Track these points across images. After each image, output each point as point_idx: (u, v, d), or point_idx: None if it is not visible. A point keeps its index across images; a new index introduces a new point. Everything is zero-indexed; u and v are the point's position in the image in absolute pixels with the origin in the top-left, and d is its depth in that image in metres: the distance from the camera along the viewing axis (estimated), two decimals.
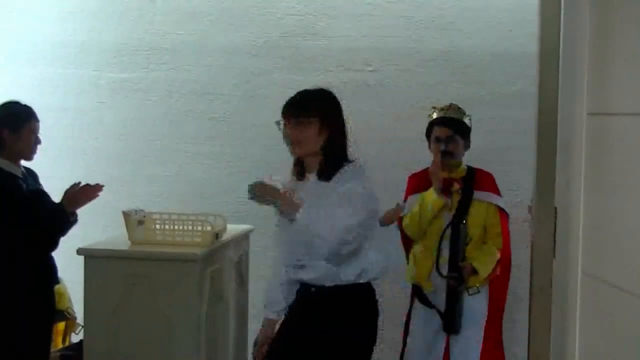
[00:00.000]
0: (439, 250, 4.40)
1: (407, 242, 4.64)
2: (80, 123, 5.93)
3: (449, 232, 4.41)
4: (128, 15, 5.90)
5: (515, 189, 5.69)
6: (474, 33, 5.70)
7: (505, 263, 4.52)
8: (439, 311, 4.41)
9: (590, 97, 3.40)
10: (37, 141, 4.33)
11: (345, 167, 3.60)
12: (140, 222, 4.33)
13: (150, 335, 4.10)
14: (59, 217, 4.22)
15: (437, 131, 4.50)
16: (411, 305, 4.55)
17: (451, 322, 4.39)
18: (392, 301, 5.34)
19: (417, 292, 4.49)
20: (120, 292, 4.09)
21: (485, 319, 4.45)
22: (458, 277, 4.36)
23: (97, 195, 4.32)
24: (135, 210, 4.34)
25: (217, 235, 4.42)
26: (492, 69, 5.71)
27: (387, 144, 5.70)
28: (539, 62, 4.17)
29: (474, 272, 4.39)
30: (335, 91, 5.74)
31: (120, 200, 5.60)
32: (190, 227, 4.34)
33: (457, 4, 5.70)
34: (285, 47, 5.81)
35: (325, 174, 3.59)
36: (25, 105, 4.34)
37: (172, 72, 5.90)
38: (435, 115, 4.58)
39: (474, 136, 5.68)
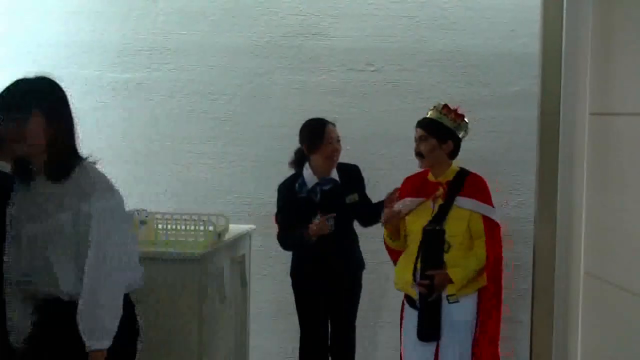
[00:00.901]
0: (417, 256, 4.31)
1: (391, 249, 4.58)
2: (83, 123, 5.88)
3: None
4: (131, 15, 5.90)
5: (518, 189, 5.70)
6: (477, 33, 5.70)
7: (493, 273, 4.32)
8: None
9: (593, 97, 3.41)
10: None
11: (78, 165, 3.25)
12: (143, 222, 4.33)
13: (151, 335, 4.09)
14: None
15: (415, 132, 4.48)
16: (402, 308, 4.48)
17: (424, 329, 4.27)
18: (392, 301, 5.34)
19: (407, 295, 4.43)
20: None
21: (473, 328, 4.30)
22: (428, 285, 4.23)
23: None
24: (138, 211, 4.34)
25: (219, 235, 4.42)
26: (495, 69, 5.71)
27: (389, 144, 5.70)
28: (541, 62, 4.18)
29: (450, 281, 4.23)
30: (337, 91, 5.83)
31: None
32: (192, 227, 4.34)
33: (459, 4, 5.69)
34: (288, 47, 5.81)
35: (55, 173, 3.19)
36: None
37: (175, 72, 5.90)
38: None
39: (476, 136, 5.68)
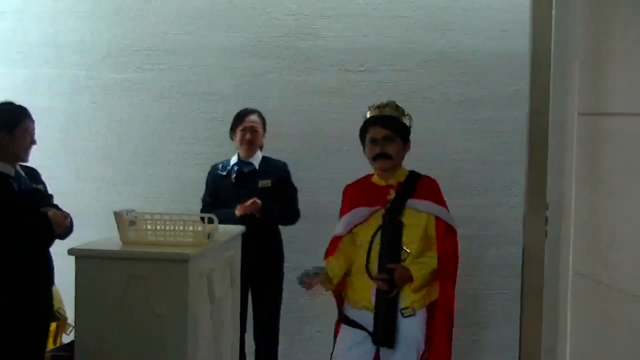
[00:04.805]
0: (369, 252, 4.02)
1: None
2: (74, 124, 5.94)
3: (378, 236, 4.02)
4: (125, 15, 5.90)
5: (514, 189, 5.67)
6: (474, 34, 5.69)
7: (446, 278, 4.05)
8: (367, 330, 4.03)
9: (582, 97, 3.39)
10: (32, 142, 4.34)
11: None
12: (132, 223, 4.31)
13: (142, 336, 4.08)
14: (41, 223, 4.23)
15: (372, 132, 4.09)
16: (337, 329, 4.24)
17: (380, 332, 3.96)
18: None
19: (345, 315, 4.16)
20: (112, 293, 4.07)
21: (420, 345, 4.01)
22: (388, 280, 3.93)
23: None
24: (127, 211, 4.32)
25: (208, 236, 4.40)
26: (492, 69, 5.70)
27: None
28: (530, 62, 4.16)
29: (410, 279, 3.96)
30: (334, 91, 5.80)
31: (114, 201, 5.61)
32: (181, 228, 4.32)
33: (455, 4, 5.68)
34: (284, 47, 5.81)
35: None
36: (19, 106, 4.35)
37: (171, 72, 5.90)
38: (369, 115, 4.15)
39: (474, 136, 5.67)
